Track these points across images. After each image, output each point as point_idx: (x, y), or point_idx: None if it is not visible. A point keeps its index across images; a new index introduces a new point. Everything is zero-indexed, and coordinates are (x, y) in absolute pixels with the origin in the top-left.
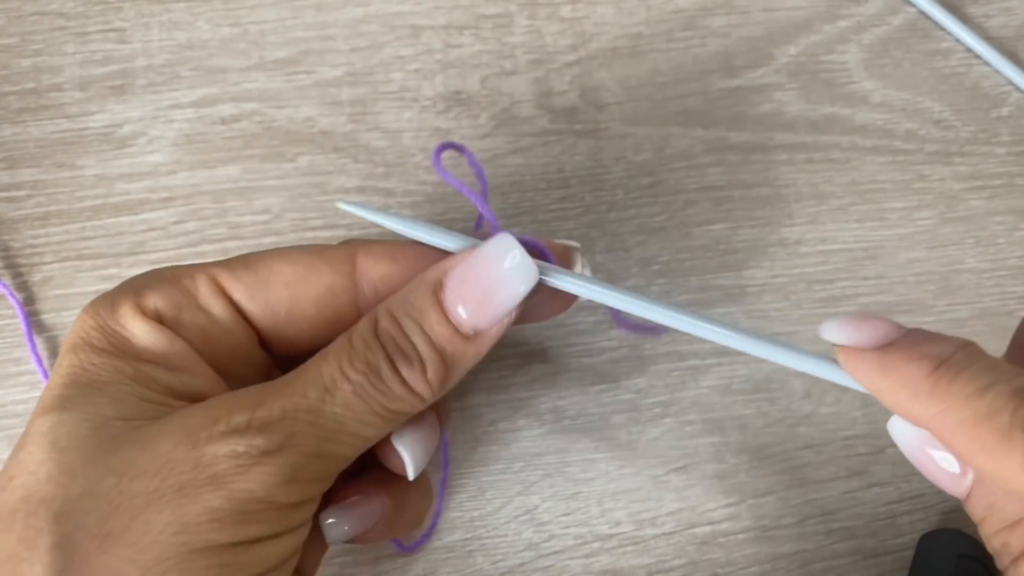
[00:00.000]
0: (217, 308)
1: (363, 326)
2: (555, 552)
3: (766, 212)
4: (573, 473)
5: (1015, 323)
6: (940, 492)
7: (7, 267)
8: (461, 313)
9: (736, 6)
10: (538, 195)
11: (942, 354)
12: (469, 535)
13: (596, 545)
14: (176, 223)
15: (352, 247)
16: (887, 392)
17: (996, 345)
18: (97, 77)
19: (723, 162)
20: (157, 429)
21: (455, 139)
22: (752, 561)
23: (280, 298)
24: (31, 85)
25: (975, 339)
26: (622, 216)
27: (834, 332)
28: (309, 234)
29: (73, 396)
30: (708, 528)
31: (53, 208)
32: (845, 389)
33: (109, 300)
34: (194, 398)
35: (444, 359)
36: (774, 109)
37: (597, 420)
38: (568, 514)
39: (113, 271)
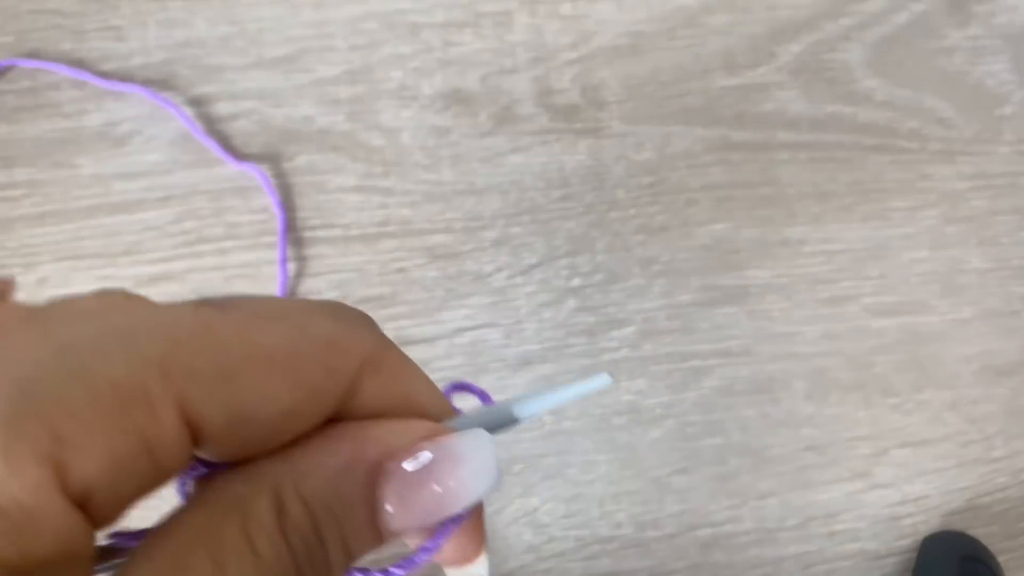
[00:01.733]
0: (178, 460)
1: (265, 514)
2: (556, 554)
3: (768, 211)
4: (573, 475)
5: (1019, 323)
6: (944, 494)
7: (3, 267)
8: (390, 511)
9: (738, 4)
10: (538, 194)
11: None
12: None
13: (597, 547)
14: (173, 223)
15: (356, 361)
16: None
17: (999, 345)
18: (94, 75)
19: (725, 161)
20: None
21: (454, 137)
22: (754, 563)
23: (264, 430)
24: (27, 83)
25: (978, 339)
26: (623, 215)
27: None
28: (308, 233)
29: None
30: (710, 530)
31: (49, 207)
32: (848, 390)
33: (5, 437)
34: None
35: (348, 566)
36: (776, 108)
37: (598, 421)
38: (569, 516)
39: (110, 271)
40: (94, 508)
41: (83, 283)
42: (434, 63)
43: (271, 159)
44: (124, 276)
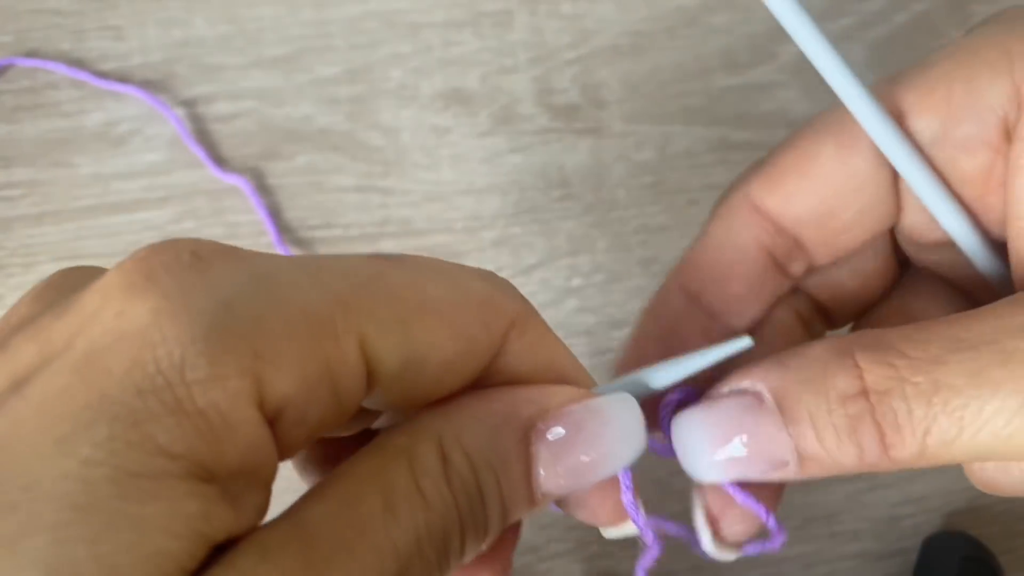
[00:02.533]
0: (357, 388)
1: (431, 461)
2: (556, 555)
3: None
4: None
5: None
6: (945, 495)
7: (1, 268)
8: (542, 472)
9: (738, 3)
10: (538, 194)
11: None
12: None
13: (597, 547)
14: (172, 222)
15: (508, 320)
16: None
17: None
18: (93, 75)
19: (725, 161)
20: None
21: (454, 137)
22: (755, 564)
23: (424, 377)
24: (26, 83)
25: None
26: (623, 215)
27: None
28: (307, 233)
29: (76, 557)
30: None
31: (48, 207)
32: None
33: (205, 349)
34: (218, 540)
35: (501, 529)
36: (777, 107)
37: None
38: (569, 516)
39: None
40: (281, 429)
41: None
42: (434, 63)
43: (267, 159)
44: None
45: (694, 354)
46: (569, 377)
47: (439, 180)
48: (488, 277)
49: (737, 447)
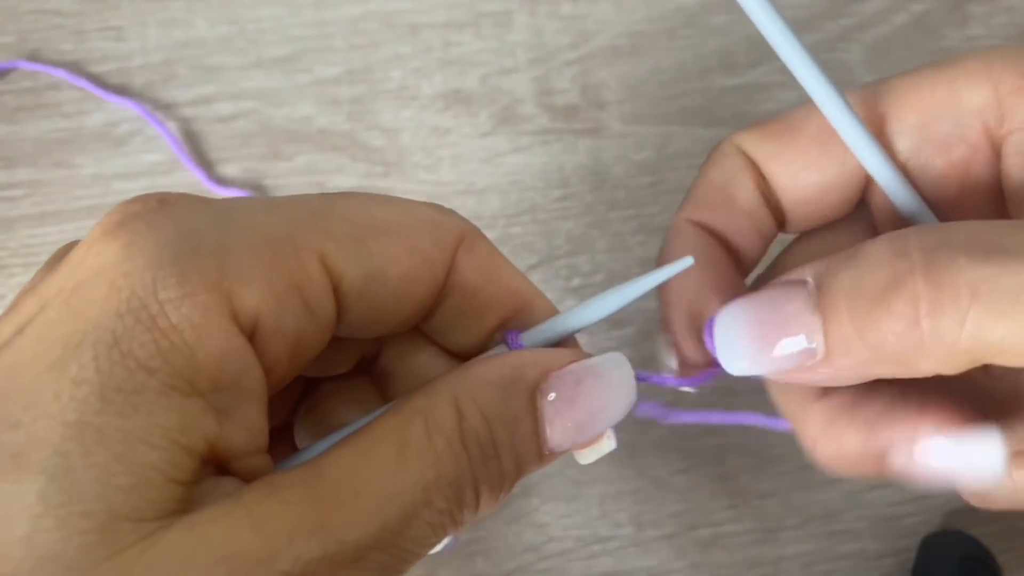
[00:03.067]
0: (326, 301)
1: (447, 419)
2: (556, 554)
3: None
4: (573, 474)
5: None
6: (943, 494)
7: (3, 267)
8: (548, 428)
9: (737, 3)
10: (538, 194)
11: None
12: (469, 537)
13: (597, 547)
14: None
15: (455, 237)
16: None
17: None
18: (94, 75)
19: None
20: (184, 552)
21: (454, 138)
22: (755, 563)
23: (386, 292)
24: (28, 84)
25: None
26: (623, 215)
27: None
28: None
29: (72, 465)
30: (710, 530)
31: (50, 207)
32: None
33: (174, 272)
34: (223, 459)
35: (514, 483)
36: (776, 107)
37: None
38: (569, 516)
39: None
40: (260, 342)
41: None
42: (434, 63)
43: (267, 160)
44: None
45: (641, 278)
46: (517, 288)
47: (439, 180)
48: (434, 205)
49: (764, 335)
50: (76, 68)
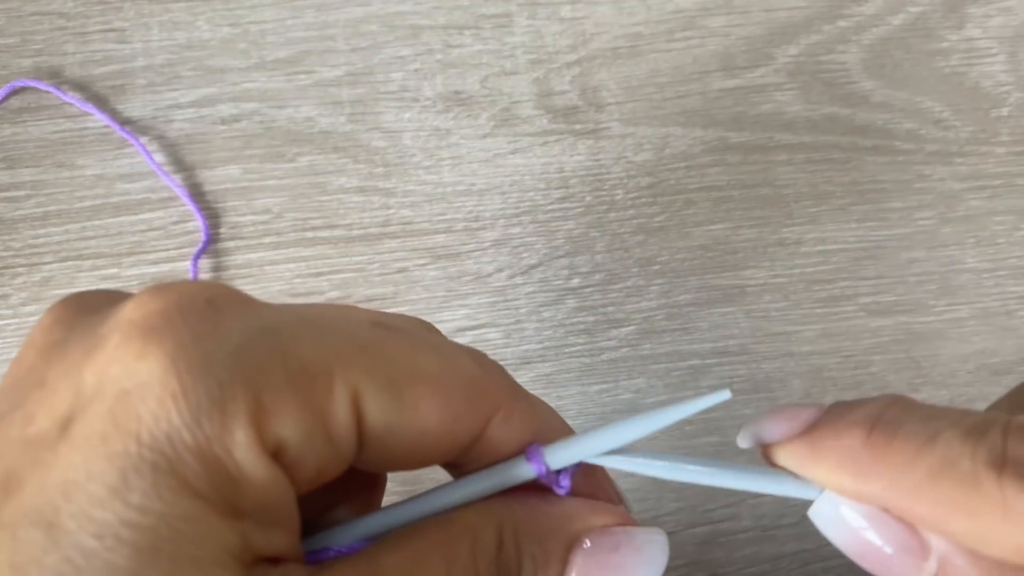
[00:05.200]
0: (349, 439)
1: (490, 544)
2: None
3: (766, 212)
4: None
5: (1015, 323)
6: None
7: (6, 267)
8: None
9: (736, 6)
10: (538, 195)
11: (871, 415)
12: None
13: None
14: (176, 223)
15: (493, 406)
16: (828, 477)
17: (996, 345)
18: (97, 77)
19: (723, 162)
20: None
21: (455, 139)
22: (752, 561)
23: (409, 441)
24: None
25: (975, 339)
26: (622, 216)
27: (748, 437)
28: (309, 234)
29: None
30: (708, 528)
31: (53, 208)
32: (845, 389)
33: (218, 399)
34: (265, 559)
35: None
36: (774, 109)
37: (597, 420)
38: None
39: (113, 271)
40: (284, 468)
41: (86, 283)
42: (435, 65)
43: (269, 161)
44: (128, 276)
45: (670, 407)
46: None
47: (440, 181)
48: (480, 359)
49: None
50: (79, 69)
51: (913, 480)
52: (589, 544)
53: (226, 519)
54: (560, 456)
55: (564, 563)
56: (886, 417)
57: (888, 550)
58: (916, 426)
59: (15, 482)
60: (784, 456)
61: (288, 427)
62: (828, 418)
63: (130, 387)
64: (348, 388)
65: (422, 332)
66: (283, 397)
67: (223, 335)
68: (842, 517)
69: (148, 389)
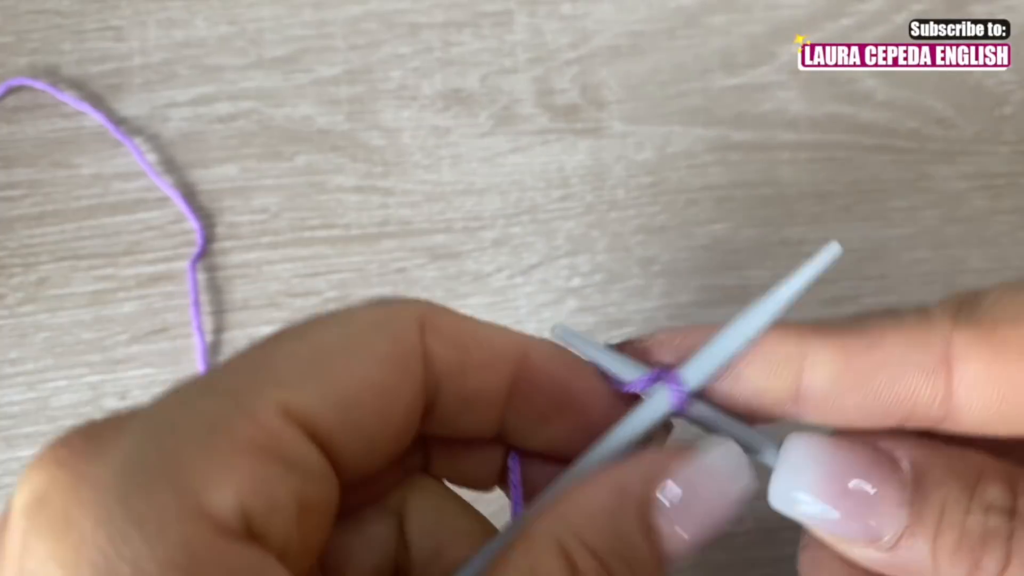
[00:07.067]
0: (310, 461)
1: (551, 564)
2: None
3: (768, 211)
4: None
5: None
6: None
7: (2, 267)
8: (668, 537)
9: (738, 4)
10: (538, 194)
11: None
12: None
13: None
14: (173, 223)
15: (419, 326)
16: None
17: None
18: (94, 75)
19: (724, 161)
20: None
21: (454, 137)
22: (754, 563)
23: (364, 421)
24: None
25: None
26: (623, 215)
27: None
28: (307, 233)
29: None
30: None
31: (49, 207)
32: None
33: (153, 509)
34: None
35: None
36: (776, 107)
37: None
38: None
39: (110, 271)
40: (261, 528)
41: (83, 283)
42: (434, 63)
43: (267, 160)
44: (124, 276)
45: (784, 283)
46: (502, 344)
47: (439, 180)
48: (377, 301)
49: (839, 497)
50: (75, 67)
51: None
52: (664, 500)
53: None
54: (696, 375)
55: (651, 536)
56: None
57: (868, 489)
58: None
59: None
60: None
61: (235, 494)
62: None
63: None
64: (269, 407)
65: (309, 323)
66: (224, 471)
67: (109, 478)
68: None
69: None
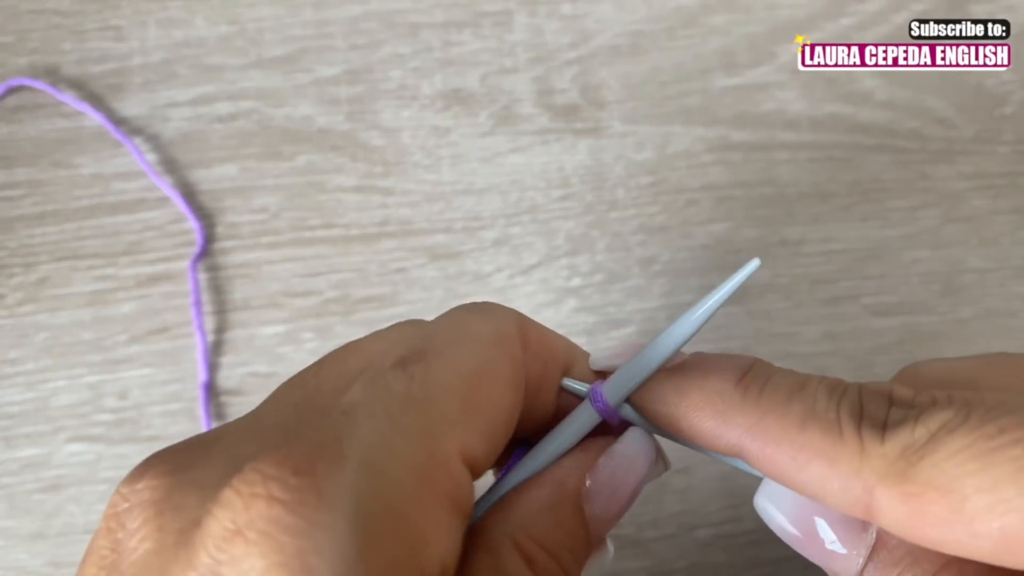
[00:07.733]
0: (471, 501)
1: (520, 571)
2: None
3: (768, 211)
4: None
5: (1019, 323)
6: None
7: (2, 267)
8: (598, 522)
9: (738, 3)
10: (538, 194)
11: (741, 365)
12: None
13: None
14: (173, 222)
15: (521, 342)
16: (691, 415)
17: (999, 345)
18: (94, 75)
19: (724, 161)
20: None
21: (454, 137)
22: (754, 563)
23: (500, 445)
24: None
25: (978, 340)
26: (623, 215)
27: (602, 360)
28: (307, 233)
29: None
30: (710, 530)
31: (49, 207)
32: None
33: None
34: None
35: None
36: (776, 107)
37: None
38: None
39: (110, 271)
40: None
41: (83, 283)
42: (434, 63)
43: (267, 160)
44: (124, 276)
45: (706, 297)
46: (561, 348)
47: (439, 180)
48: (485, 311)
49: (807, 526)
50: (76, 67)
51: (781, 425)
52: (592, 488)
53: None
54: (618, 390)
55: (584, 522)
56: (755, 368)
57: (823, 540)
58: (784, 378)
59: None
60: (649, 395)
61: (442, 547)
62: (694, 361)
63: None
64: (456, 454)
65: (454, 350)
66: (426, 525)
67: (338, 526)
68: (782, 499)
69: None
